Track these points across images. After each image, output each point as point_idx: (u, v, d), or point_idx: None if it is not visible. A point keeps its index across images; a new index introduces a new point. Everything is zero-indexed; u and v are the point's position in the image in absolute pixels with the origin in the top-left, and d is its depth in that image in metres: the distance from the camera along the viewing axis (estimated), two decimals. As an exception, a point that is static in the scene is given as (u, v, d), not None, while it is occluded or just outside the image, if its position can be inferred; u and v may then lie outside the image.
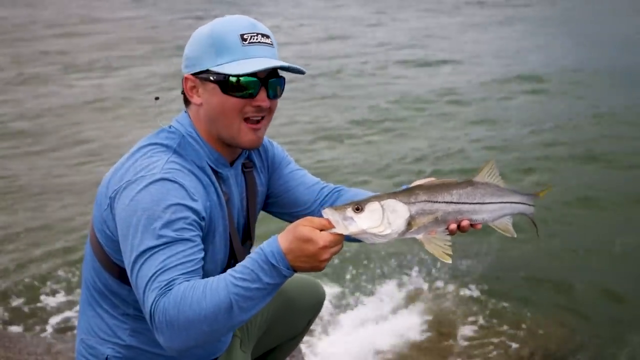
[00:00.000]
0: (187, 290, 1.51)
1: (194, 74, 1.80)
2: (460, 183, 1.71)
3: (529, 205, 1.87)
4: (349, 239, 1.62)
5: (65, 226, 5.99)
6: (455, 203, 1.67)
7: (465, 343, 4.13)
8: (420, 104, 10.34)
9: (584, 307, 4.62)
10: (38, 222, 6.12)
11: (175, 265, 1.56)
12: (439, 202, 1.65)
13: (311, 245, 1.51)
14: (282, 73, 1.86)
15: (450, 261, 1.62)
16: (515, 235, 1.79)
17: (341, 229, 1.53)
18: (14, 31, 18.10)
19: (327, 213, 1.56)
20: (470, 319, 4.42)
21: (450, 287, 4.81)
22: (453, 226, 1.68)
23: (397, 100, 10.52)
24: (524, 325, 4.37)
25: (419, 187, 1.66)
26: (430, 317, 4.39)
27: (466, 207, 1.69)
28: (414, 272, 5.01)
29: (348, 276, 5.03)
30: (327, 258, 1.53)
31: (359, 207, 1.56)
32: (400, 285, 4.87)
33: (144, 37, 16.98)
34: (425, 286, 4.81)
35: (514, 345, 4.15)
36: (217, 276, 1.55)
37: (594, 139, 8.31)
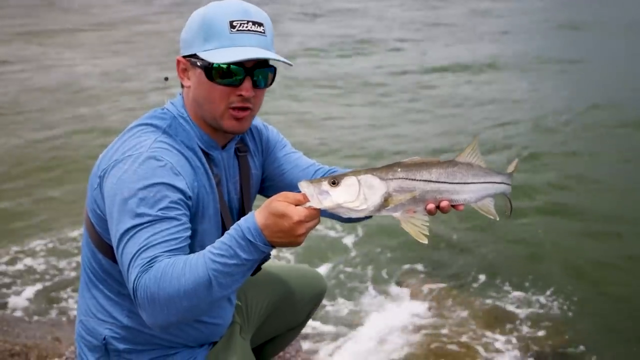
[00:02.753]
0: (167, 267, 1.53)
1: (185, 57, 1.81)
2: (442, 162, 1.68)
3: (508, 184, 1.85)
4: (326, 213, 1.61)
5: (68, 208, 6.01)
6: (434, 182, 1.65)
7: (466, 343, 4.08)
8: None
9: (597, 308, 4.55)
10: (41, 203, 6.16)
11: (159, 243, 1.58)
12: (417, 180, 1.62)
13: (286, 220, 1.50)
14: (272, 62, 1.84)
15: (426, 242, 1.60)
16: (498, 218, 1.76)
17: (315, 202, 1.52)
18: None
19: (303, 186, 1.55)
20: (472, 318, 4.35)
21: (453, 286, 4.74)
22: (431, 206, 1.65)
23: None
24: (527, 325, 4.32)
25: (399, 164, 1.64)
26: (429, 317, 4.35)
27: (446, 186, 1.66)
28: (415, 270, 4.96)
29: (349, 271, 5.01)
30: (303, 233, 1.52)
31: (335, 181, 1.54)
32: (402, 282, 4.80)
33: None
34: (427, 285, 4.74)
35: (515, 344, 4.11)
36: (198, 252, 1.56)
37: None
